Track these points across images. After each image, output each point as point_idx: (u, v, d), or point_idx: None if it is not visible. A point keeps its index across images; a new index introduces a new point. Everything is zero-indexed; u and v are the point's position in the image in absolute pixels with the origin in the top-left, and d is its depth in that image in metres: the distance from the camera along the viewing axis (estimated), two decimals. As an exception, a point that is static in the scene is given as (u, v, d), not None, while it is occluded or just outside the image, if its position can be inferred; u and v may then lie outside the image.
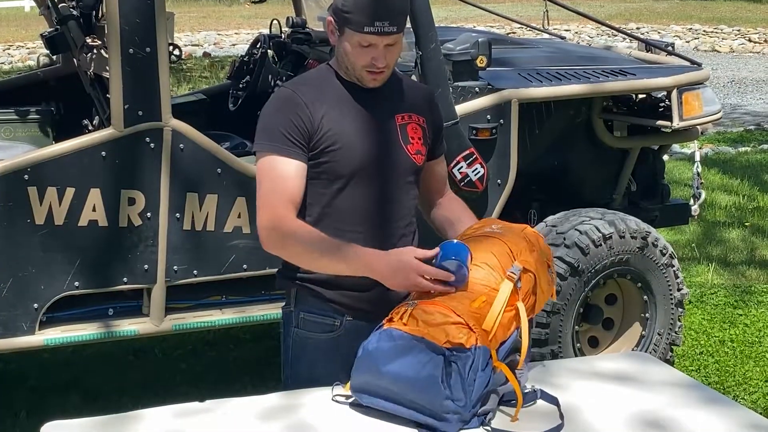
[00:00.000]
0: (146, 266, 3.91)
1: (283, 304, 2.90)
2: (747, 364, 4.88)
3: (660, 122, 4.67)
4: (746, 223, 7.27)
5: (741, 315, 5.41)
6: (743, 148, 9.92)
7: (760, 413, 4.41)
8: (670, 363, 4.78)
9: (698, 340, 5.13)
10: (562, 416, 2.45)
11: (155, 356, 5.05)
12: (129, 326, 3.99)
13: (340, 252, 2.65)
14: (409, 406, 2.39)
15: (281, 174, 2.67)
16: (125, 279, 3.91)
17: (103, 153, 3.79)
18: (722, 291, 5.75)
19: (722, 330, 5.25)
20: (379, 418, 2.44)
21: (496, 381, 2.47)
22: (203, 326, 4.09)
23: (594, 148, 4.81)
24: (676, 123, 4.59)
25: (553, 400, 2.52)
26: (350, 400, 2.53)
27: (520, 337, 2.56)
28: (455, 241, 2.62)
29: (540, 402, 2.54)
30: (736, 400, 4.57)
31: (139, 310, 4.03)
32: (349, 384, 2.51)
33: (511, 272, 2.56)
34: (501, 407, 2.49)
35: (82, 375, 4.82)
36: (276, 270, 2.93)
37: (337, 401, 2.52)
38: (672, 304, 4.60)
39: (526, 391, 2.52)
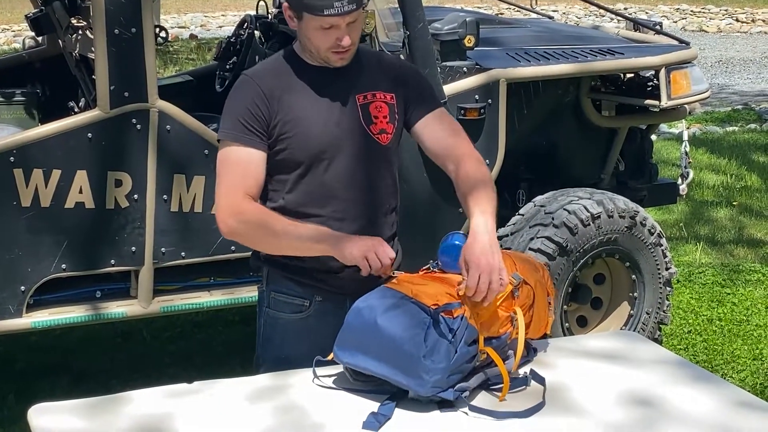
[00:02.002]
0: (134, 248, 3.90)
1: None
2: (735, 342, 4.89)
3: (648, 101, 4.66)
4: (734, 203, 7.28)
5: (729, 294, 5.42)
6: (731, 128, 9.92)
7: (748, 391, 4.43)
8: (659, 342, 4.79)
9: (686, 319, 5.14)
10: (544, 396, 2.45)
11: (143, 338, 5.03)
12: (117, 308, 3.97)
13: (299, 230, 2.66)
14: (388, 363, 2.40)
15: (239, 162, 2.68)
16: (113, 261, 3.89)
17: (90, 135, 3.77)
18: (710, 270, 5.75)
19: (710, 309, 5.25)
20: (364, 397, 2.45)
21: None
22: (191, 308, 4.08)
23: (582, 128, 4.80)
24: (665, 102, 4.58)
25: (541, 380, 2.51)
26: (332, 380, 2.54)
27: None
28: (459, 232, 2.65)
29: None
30: (724, 379, 4.58)
31: (127, 293, 4.01)
32: (332, 354, 2.51)
33: (512, 277, 2.58)
34: (485, 390, 2.49)
35: (70, 357, 4.80)
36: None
37: (319, 384, 2.52)
38: (660, 283, 4.61)
39: (515, 376, 2.51)
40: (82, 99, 4.37)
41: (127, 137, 3.82)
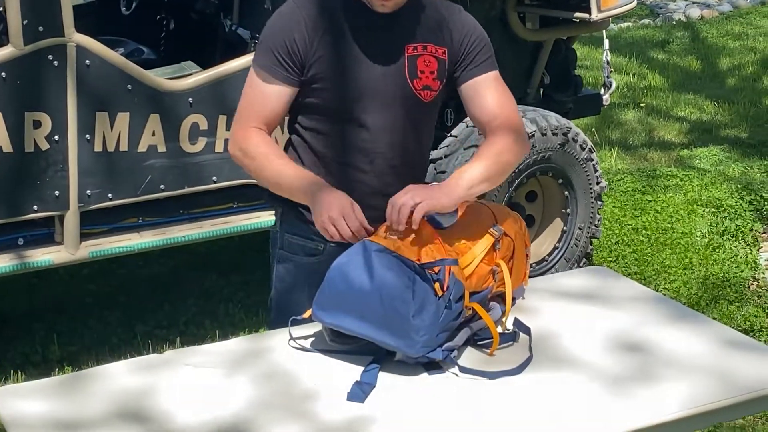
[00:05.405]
0: (57, 192, 3.68)
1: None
2: (663, 251, 4.91)
3: (578, 14, 4.57)
4: (641, 104, 7.30)
5: (650, 201, 5.42)
6: (624, 24, 9.94)
7: (683, 302, 4.47)
8: (590, 256, 4.79)
9: (613, 230, 5.14)
10: (531, 347, 2.37)
11: (61, 278, 4.80)
12: (42, 256, 3.76)
13: (286, 175, 2.54)
14: (374, 323, 2.27)
15: (259, 92, 2.57)
16: (35, 207, 3.68)
17: (3, 74, 3.52)
18: (629, 177, 5.74)
19: (634, 218, 5.26)
20: (345, 360, 2.34)
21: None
22: (122, 251, 3.88)
23: (509, 42, 4.68)
24: (595, 15, 4.49)
25: (526, 330, 2.44)
26: (309, 342, 2.42)
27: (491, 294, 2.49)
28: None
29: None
30: (658, 290, 4.61)
31: (52, 238, 3.80)
32: (310, 311, 2.38)
33: (493, 230, 2.48)
34: (472, 346, 2.40)
35: (-14, 303, 4.58)
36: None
37: (296, 346, 2.41)
38: (592, 197, 4.60)
39: (501, 331, 2.43)
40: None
41: (44, 75, 3.58)
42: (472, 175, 2.47)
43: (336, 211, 2.41)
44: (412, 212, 2.36)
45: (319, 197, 2.45)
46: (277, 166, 2.55)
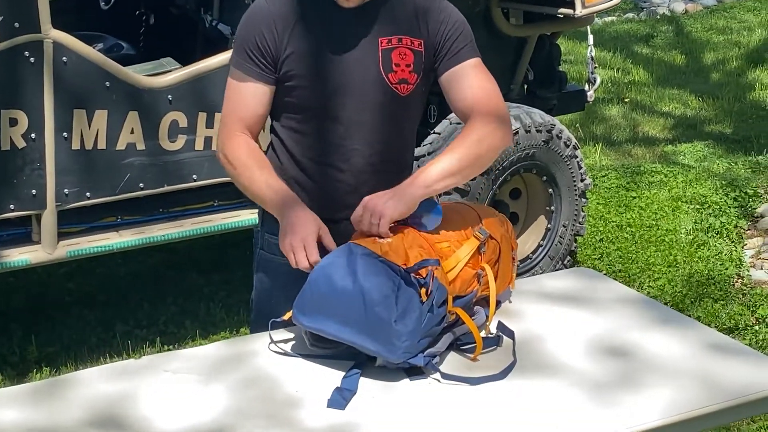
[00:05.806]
0: (34, 191, 3.63)
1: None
2: (648, 249, 4.87)
3: (562, 10, 4.53)
4: (625, 99, 7.27)
5: (635, 197, 5.39)
6: (609, 18, 9.91)
7: (668, 300, 4.45)
8: (575, 254, 4.76)
9: (597, 227, 5.10)
10: (515, 352, 2.33)
11: (38, 277, 4.74)
12: (20, 256, 3.71)
13: (260, 188, 2.49)
14: (355, 328, 2.22)
15: (237, 93, 2.54)
16: (12, 206, 3.62)
17: (-22, 71, 3.46)
18: (613, 173, 5.71)
19: (619, 214, 5.22)
20: (326, 365, 2.30)
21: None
22: (101, 251, 3.83)
23: (493, 38, 4.64)
24: (579, 11, 4.46)
25: (510, 334, 2.40)
26: (290, 346, 2.37)
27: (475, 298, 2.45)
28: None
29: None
30: (642, 288, 4.59)
31: (29, 237, 3.75)
32: (290, 313, 2.32)
33: (478, 233, 2.42)
34: (454, 351, 2.36)
35: (-37, 303, 4.52)
36: None
37: (276, 350, 2.36)
38: (576, 195, 4.56)
39: (485, 336, 2.38)
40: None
41: (20, 72, 3.52)
42: (435, 171, 2.39)
43: (298, 239, 2.36)
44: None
45: (288, 217, 2.40)
46: (254, 177, 2.50)
